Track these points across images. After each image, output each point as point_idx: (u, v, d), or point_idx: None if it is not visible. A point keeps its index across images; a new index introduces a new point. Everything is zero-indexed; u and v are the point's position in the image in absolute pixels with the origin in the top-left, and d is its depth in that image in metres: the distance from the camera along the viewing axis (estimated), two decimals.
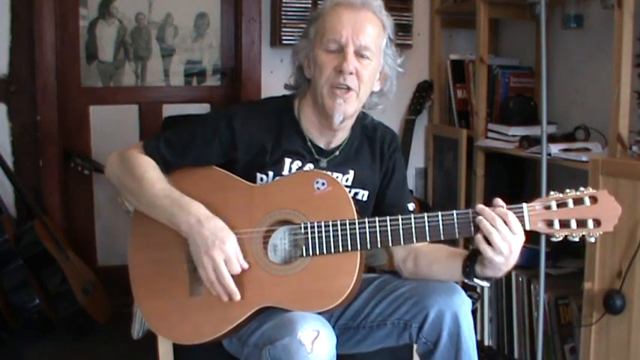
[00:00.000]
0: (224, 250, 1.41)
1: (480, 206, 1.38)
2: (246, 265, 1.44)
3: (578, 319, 2.09)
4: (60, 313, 2.62)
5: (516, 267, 2.36)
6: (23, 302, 2.54)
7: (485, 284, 1.49)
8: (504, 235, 1.35)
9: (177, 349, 1.66)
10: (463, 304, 1.49)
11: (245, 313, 1.45)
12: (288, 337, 1.32)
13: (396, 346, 1.58)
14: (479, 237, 1.37)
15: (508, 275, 2.45)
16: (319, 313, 1.42)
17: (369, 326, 1.57)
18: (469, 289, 2.56)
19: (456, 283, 1.56)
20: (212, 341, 1.50)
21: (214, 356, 1.61)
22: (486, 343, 2.60)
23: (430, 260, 1.56)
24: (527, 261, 2.35)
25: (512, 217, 1.36)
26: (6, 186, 2.77)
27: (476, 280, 1.48)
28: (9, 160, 2.78)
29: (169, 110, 3.03)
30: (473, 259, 1.47)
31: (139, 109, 3.07)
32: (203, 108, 3.10)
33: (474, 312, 2.55)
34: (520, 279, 2.39)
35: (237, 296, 1.43)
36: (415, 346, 1.56)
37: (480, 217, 1.36)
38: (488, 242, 1.36)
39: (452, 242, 1.53)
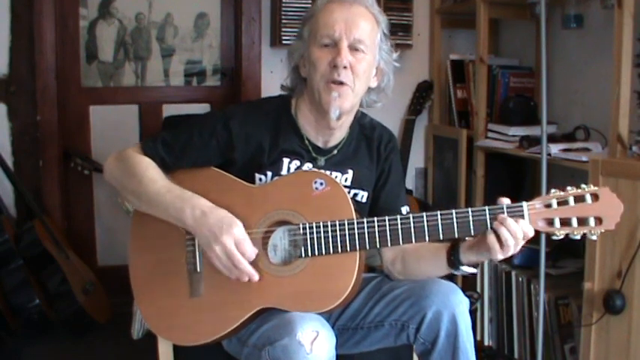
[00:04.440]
0: (232, 234, 1.40)
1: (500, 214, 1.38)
2: (257, 250, 1.43)
3: (578, 319, 2.09)
4: (60, 313, 2.63)
5: (516, 267, 2.41)
6: (23, 302, 2.54)
7: (473, 271, 1.49)
8: (517, 240, 1.37)
9: (177, 349, 1.66)
10: (460, 303, 1.49)
11: (245, 314, 1.45)
12: (287, 338, 1.32)
13: (395, 345, 1.58)
14: (491, 232, 1.37)
15: (508, 275, 2.45)
16: (319, 314, 1.42)
17: (367, 327, 1.57)
18: (469, 288, 2.57)
19: (453, 282, 1.56)
20: (211, 342, 1.49)
21: (214, 356, 1.61)
22: (486, 343, 2.60)
23: (417, 258, 1.57)
24: (527, 261, 2.36)
25: (527, 227, 1.37)
26: (6, 186, 2.77)
27: (462, 268, 1.48)
28: (9, 160, 2.78)
29: (169, 110, 3.03)
30: (455, 248, 1.48)
31: (139, 109, 3.07)
32: (203, 108, 3.10)
33: (474, 312, 2.57)
34: (520, 279, 2.39)
35: (256, 277, 1.42)
36: (413, 346, 1.57)
37: (502, 228, 1.36)
38: (499, 241, 1.37)
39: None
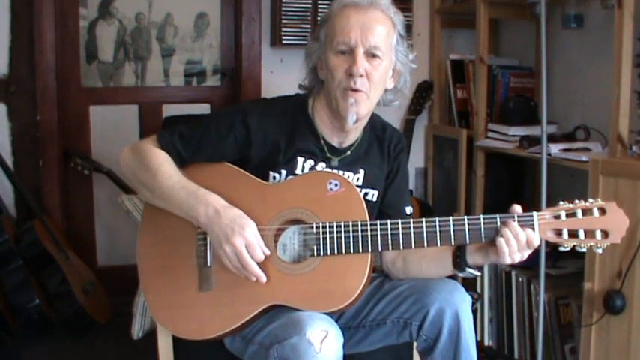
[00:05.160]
0: (244, 236, 1.41)
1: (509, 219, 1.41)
2: (268, 251, 1.44)
3: (578, 319, 2.09)
4: (60, 313, 2.63)
5: (516, 267, 2.41)
6: (23, 302, 2.54)
7: (477, 273, 1.51)
8: (522, 247, 1.40)
9: (177, 348, 1.66)
10: (463, 300, 1.49)
11: (253, 310, 1.45)
12: (296, 337, 1.32)
13: (396, 344, 1.59)
14: (501, 240, 1.39)
15: (508, 275, 2.45)
16: (326, 313, 1.42)
17: (368, 325, 1.57)
18: (469, 288, 2.57)
19: (455, 279, 1.57)
20: (217, 338, 1.50)
21: (214, 355, 1.61)
22: (486, 343, 2.60)
23: (419, 257, 1.57)
24: (527, 261, 2.36)
25: (533, 234, 1.40)
26: (6, 186, 2.77)
27: (468, 269, 1.50)
28: (9, 160, 2.78)
29: (169, 110, 3.03)
30: (462, 249, 1.49)
31: (139, 109, 3.07)
32: (203, 108, 3.10)
33: (474, 312, 2.56)
34: (520, 279, 2.39)
35: (264, 279, 1.43)
36: (415, 344, 1.57)
37: (506, 229, 1.39)
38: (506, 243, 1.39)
39: None
